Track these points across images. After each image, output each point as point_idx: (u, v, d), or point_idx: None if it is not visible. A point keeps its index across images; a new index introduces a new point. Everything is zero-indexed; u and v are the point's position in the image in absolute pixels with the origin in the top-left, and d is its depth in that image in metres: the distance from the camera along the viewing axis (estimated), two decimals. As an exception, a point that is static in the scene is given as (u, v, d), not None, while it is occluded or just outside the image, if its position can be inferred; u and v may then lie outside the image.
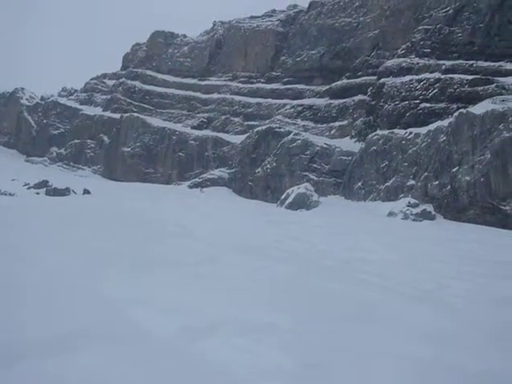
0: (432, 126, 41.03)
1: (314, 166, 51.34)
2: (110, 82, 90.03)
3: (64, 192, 44.54)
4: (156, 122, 72.63)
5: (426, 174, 39.10)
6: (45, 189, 45.67)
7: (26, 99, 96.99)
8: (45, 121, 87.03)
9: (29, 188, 47.64)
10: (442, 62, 46.92)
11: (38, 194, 44.37)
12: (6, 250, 9.74)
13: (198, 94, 77.71)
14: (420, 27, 50.78)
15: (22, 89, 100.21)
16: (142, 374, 4.26)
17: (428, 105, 45.27)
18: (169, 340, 5.19)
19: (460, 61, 45.82)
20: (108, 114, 79.47)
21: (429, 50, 48.83)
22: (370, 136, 46.87)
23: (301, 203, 42.43)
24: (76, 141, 79.55)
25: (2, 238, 11.30)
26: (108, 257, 9.99)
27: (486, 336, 6.33)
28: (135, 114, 73.41)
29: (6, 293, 6.43)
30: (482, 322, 7.08)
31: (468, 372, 4.91)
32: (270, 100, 70.83)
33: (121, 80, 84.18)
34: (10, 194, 39.28)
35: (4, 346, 4.52)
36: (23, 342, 4.64)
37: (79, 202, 30.80)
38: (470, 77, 43.76)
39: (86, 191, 46.31)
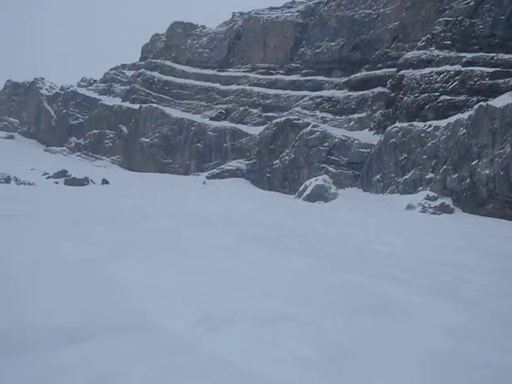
0: (452, 119, 40.74)
1: (333, 158, 51.23)
2: (129, 73, 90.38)
3: (83, 182, 44.81)
4: (175, 112, 72.80)
5: (444, 167, 38.86)
6: (64, 178, 45.96)
7: (46, 89, 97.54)
8: (64, 111, 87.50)
9: (48, 177, 47.93)
10: (462, 54, 46.55)
11: (56, 183, 44.66)
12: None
13: (217, 85, 77.75)
14: (440, 19, 50.36)
15: (42, 79, 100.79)
16: (161, 366, 4.28)
17: (448, 97, 44.97)
18: (187, 331, 5.20)
19: (481, 53, 45.43)
20: (127, 104, 79.73)
21: (449, 42, 48.43)
22: (388, 128, 46.65)
23: (319, 195, 42.35)
24: (95, 131, 79.91)
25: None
26: (124, 247, 10.03)
27: (506, 330, 6.31)
28: (154, 105, 73.64)
29: (15, 285, 6.48)
30: (502, 316, 7.05)
31: (489, 366, 4.89)
32: (288, 91, 70.72)
33: (140, 70, 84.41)
34: (29, 184, 39.54)
35: (14, 336, 4.55)
36: (35, 331, 4.67)
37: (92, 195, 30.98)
38: (491, 69, 43.41)
39: (105, 181, 46.57)
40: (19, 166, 50.44)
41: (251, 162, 59.44)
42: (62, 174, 48.00)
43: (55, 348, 4.32)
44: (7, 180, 39.55)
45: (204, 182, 52.51)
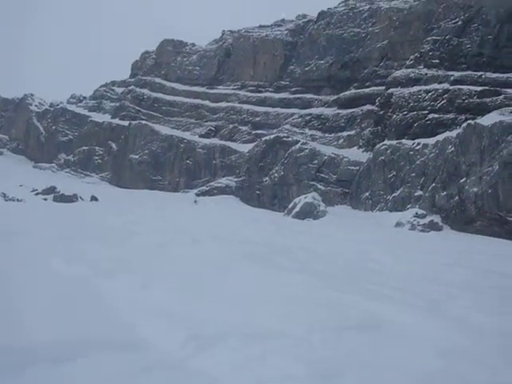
0: (440, 137, 41.03)
1: (322, 175, 51.41)
2: (119, 90, 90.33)
3: (71, 198, 44.66)
4: (164, 129, 72.85)
5: (433, 184, 39.06)
6: (52, 195, 45.78)
7: (35, 105, 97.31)
8: (53, 127, 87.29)
9: (37, 194, 47.77)
10: (450, 72, 46.98)
11: (45, 199, 44.48)
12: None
13: (207, 103, 77.88)
14: (429, 38, 50.87)
15: (32, 95, 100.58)
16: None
17: (436, 115, 45.31)
18: (176, 349, 5.20)
19: (468, 72, 45.87)
20: (116, 121, 79.67)
21: (437, 61, 48.88)
22: (377, 146, 46.89)
23: (308, 212, 42.38)
24: (84, 147, 79.74)
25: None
26: (114, 264, 10.01)
27: (495, 348, 6.33)
28: (143, 122, 73.70)
29: (16, 299, 6.47)
30: (491, 334, 7.08)
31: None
32: (278, 109, 70.92)
33: (129, 87, 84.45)
34: (17, 200, 39.37)
35: (12, 352, 4.54)
36: (22, 349, 4.66)
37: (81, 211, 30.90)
38: (479, 88, 43.80)
39: (94, 198, 46.44)
40: (8, 182, 50.24)
41: (241, 179, 59.52)
42: (51, 190, 47.82)
43: (42, 367, 4.30)
44: (-5, 196, 39.37)
45: (195, 201, 51.88)
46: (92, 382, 4.11)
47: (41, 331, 5.17)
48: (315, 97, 68.99)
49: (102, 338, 5.20)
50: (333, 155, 52.20)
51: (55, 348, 4.72)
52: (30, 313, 5.82)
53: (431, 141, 41.85)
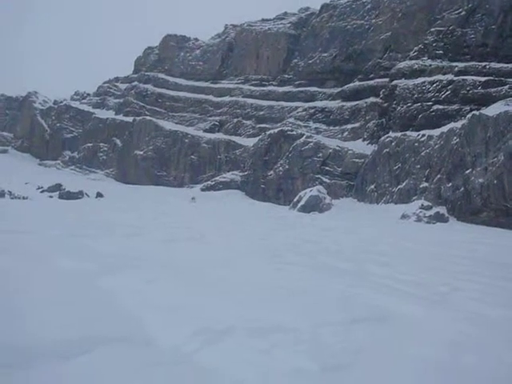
0: (445, 128, 40.88)
1: (327, 168, 51.32)
2: (123, 86, 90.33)
3: (77, 195, 44.67)
4: (168, 125, 72.90)
5: (439, 176, 38.95)
6: (58, 192, 45.80)
7: (40, 103, 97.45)
8: (58, 124, 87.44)
9: (42, 191, 47.80)
10: (454, 63, 46.81)
11: (51, 197, 44.51)
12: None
13: (210, 97, 77.88)
14: (432, 29, 50.68)
15: (36, 93, 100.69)
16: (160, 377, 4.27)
17: (441, 107, 45.15)
18: (183, 344, 5.19)
19: (473, 62, 45.68)
20: (120, 117, 79.77)
21: (441, 52, 48.70)
22: (382, 138, 46.79)
23: (313, 206, 42.33)
24: (89, 144, 79.88)
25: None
26: (119, 261, 10.02)
27: (502, 339, 6.31)
28: (148, 118, 73.74)
29: (23, 296, 6.47)
30: (498, 325, 7.05)
31: (485, 375, 4.90)
32: (282, 103, 70.90)
33: (133, 83, 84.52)
34: (23, 198, 39.41)
35: (20, 349, 4.54)
36: (30, 345, 4.65)
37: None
38: (483, 78, 43.62)
39: (99, 194, 46.48)
40: (13, 180, 50.31)
41: (245, 173, 59.48)
42: (57, 187, 47.86)
43: (49, 362, 4.30)
44: (1, 194, 39.43)
45: (193, 198, 50.72)
46: (99, 378, 4.11)
47: (47, 328, 5.17)
48: (319, 90, 68.90)
49: (108, 333, 5.20)
50: (337, 148, 52.10)
51: (62, 344, 4.72)
52: (36, 309, 5.82)
53: (436, 132, 41.71)
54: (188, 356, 4.81)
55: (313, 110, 66.25)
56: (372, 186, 45.55)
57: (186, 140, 68.79)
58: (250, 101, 73.58)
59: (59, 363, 4.32)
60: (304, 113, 66.95)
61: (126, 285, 7.69)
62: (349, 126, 60.48)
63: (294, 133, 55.68)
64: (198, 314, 6.27)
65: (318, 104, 66.67)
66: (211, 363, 4.67)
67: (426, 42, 50.57)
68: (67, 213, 24.15)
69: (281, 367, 4.67)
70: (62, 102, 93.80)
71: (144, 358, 4.63)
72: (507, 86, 41.70)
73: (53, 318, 5.55)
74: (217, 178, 63.35)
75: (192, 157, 67.79)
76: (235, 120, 72.94)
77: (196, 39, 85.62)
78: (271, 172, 55.13)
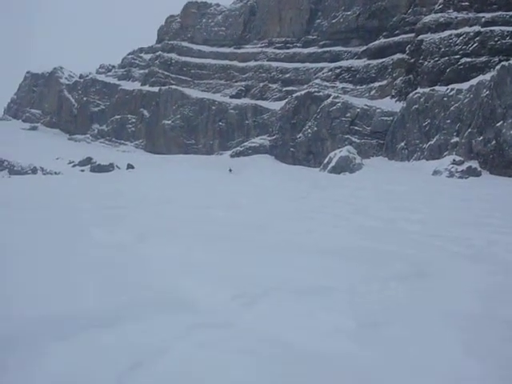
0: (474, 81, 40.33)
1: (356, 128, 51.00)
2: (147, 56, 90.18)
3: (108, 168, 45.17)
4: (194, 93, 72.85)
5: (469, 130, 38.51)
6: (89, 166, 46.33)
7: (66, 78, 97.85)
8: (85, 98, 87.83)
9: (73, 166, 48.36)
10: (481, 14, 45.89)
11: (82, 171, 45.03)
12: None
13: (235, 63, 77.51)
14: (457, -20, 49.62)
15: (61, 68, 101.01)
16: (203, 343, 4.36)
17: (469, 59, 44.46)
18: (224, 307, 5.27)
19: (500, 12, 44.75)
20: (146, 87, 79.82)
21: (467, 3, 47.72)
22: (410, 95, 46.27)
23: (344, 166, 42.25)
24: (117, 116, 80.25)
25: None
26: (157, 230, 10.14)
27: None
28: (173, 87, 73.73)
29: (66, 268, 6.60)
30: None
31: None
32: (307, 64, 70.35)
33: (157, 53, 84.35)
34: (55, 173, 39.90)
35: (63, 319, 4.65)
36: (77, 316, 4.75)
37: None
38: (511, 28, 42.78)
39: (130, 166, 46.90)
40: (44, 156, 50.89)
41: (274, 137, 59.38)
42: (87, 161, 48.39)
43: (93, 332, 4.40)
44: (34, 171, 39.97)
45: (230, 170, 49.39)
46: (143, 343, 4.20)
47: (90, 297, 5.29)
48: (344, 49, 68.16)
49: (150, 299, 5.30)
50: (365, 107, 51.68)
51: (106, 312, 4.83)
52: (77, 281, 5.94)
53: (465, 86, 41.16)
54: (230, 319, 4.89)
55: (339, 70, 65.66)
56: (402, 144, 45.21)
57: (213, 107, 68.78)
58: (274, 64, 73.13)
59: (103, 331, 4.43)
60: (330, 73, 66.39)
61: (162, 252, 7.80)
62: (376, 84, 59.89)
63: (321, 94, 55.31)
64: (237, 277, 6.34)
65: (344, 63, 66.03)
66: (253, 326, 4.74)
67: (451, -7, 49.60)
68: (99, 185, 24.40)
69: (321, 327, 4.73)
70: (87, 75, 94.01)
71: (186, 322, 4.71)
72: (536, 34, 40.92)
73: (94, 287, 5.66)
74: (246, 144, 63.39)
75: (220, 123, 67.84)
76: (261, 84, 72.64)
77: (217, 5, 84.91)
78: (300, 135, 54.96)
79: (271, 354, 4.10)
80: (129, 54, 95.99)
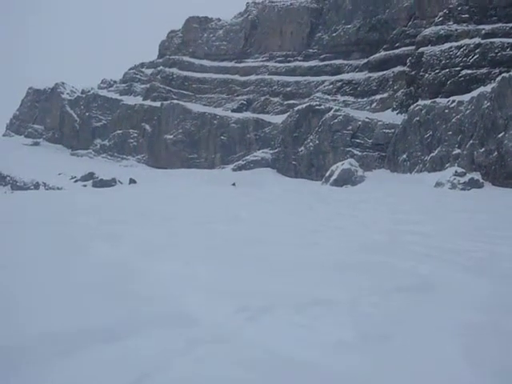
0: (475, 93, 40.40)
1: (357, 141, 51.10)
2: (148, 71, 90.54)
3: (110, 183, 45.23)
4: (196, 107, 73.07)
5: (471, 141, 38.53)
6: (91, 181, 46.40)
7: (67, 93, 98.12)
8: (87, 113, 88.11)
9: (76, 181, 48.43)
10: (481, 26, 46.05)
11: (85, 186, 45.09)
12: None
13: (236, 77, 77.81)
14: (457, -7, 49.85)
15: (63, 83, 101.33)
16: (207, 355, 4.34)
17: (469, 71, 44.57)
18: (226, 321, 5.25)
19: (500, 24, 44.91)
20: (148, 102, 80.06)
21: (467, 16, 47.90)
22: (411, 107, 46.35)
23: (346, 179, 42.26)
24: (118, 131, 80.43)
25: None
26: (155, 245, 10.13)
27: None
28: (175, 101, 73.96)
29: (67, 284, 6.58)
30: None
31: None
32: (308, 77, 70.65)
33: (158, 68, 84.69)
34: (57, 188, 39.97)
35: (64, 334, 4.63)
36: (76, 332, 4.74)
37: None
38: (511, 40, 42.91)
39: (132, 181, 46.95)
40: (47, 171, 51.00)
41: (276, 150, 59.51)
42: (90, 176, 48.46)
43: (94, 348, 4.38)
44: (36, 186, 40.07)
45: (233, 184, 48.93)
46: (145, 359, 4.18)
47: (91, 312, 5.27)
48: (345, 62, 68.46)
49: (151, 315, 5.27)
50: (367, 120, 51.79)
51: (106, 328, 4.81)
52: (78, 296, 5.92)
53: (466, 97, 41.23)
54: (232, 334, 4.87)
55: (340, 83, 65.91)
56: (404, 156, 45.22)
57: (215, 121, 68.94)
58: (276, 78, 73.42)
59: (105, 347, 4.41)
60: (331, 86, 66.63)
61: (164, 267, 7.78)
62: (377, 97, 60.08)
63: (323, 107, 55.47)
64: (238, 292, 6.32)
65: (345, 76, 66.29)
66: (255, 340, 4.72)
67: (451, 6, 49.76)
68: (100, 201, 24.41)
69: (323, 340, 4.71)
70: (89, 91, 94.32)
71: (188, 336, 4.69)
72: (537, 45, 41.04)
73: (95, 303, 5.65)
74: (247, 157, 63.50)
75: (222, 137, 67.96)
76: (262, 98, 72.89)
77: (218, 19, 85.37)
78: (302, 148, 55.06)
79: (272, 368, 4.07)
80: (130, 69, 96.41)
